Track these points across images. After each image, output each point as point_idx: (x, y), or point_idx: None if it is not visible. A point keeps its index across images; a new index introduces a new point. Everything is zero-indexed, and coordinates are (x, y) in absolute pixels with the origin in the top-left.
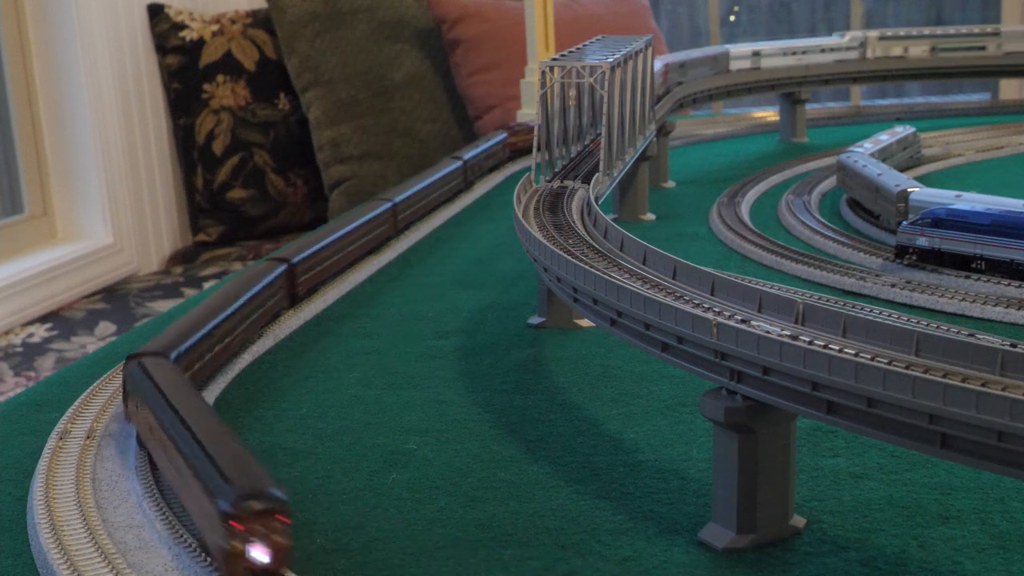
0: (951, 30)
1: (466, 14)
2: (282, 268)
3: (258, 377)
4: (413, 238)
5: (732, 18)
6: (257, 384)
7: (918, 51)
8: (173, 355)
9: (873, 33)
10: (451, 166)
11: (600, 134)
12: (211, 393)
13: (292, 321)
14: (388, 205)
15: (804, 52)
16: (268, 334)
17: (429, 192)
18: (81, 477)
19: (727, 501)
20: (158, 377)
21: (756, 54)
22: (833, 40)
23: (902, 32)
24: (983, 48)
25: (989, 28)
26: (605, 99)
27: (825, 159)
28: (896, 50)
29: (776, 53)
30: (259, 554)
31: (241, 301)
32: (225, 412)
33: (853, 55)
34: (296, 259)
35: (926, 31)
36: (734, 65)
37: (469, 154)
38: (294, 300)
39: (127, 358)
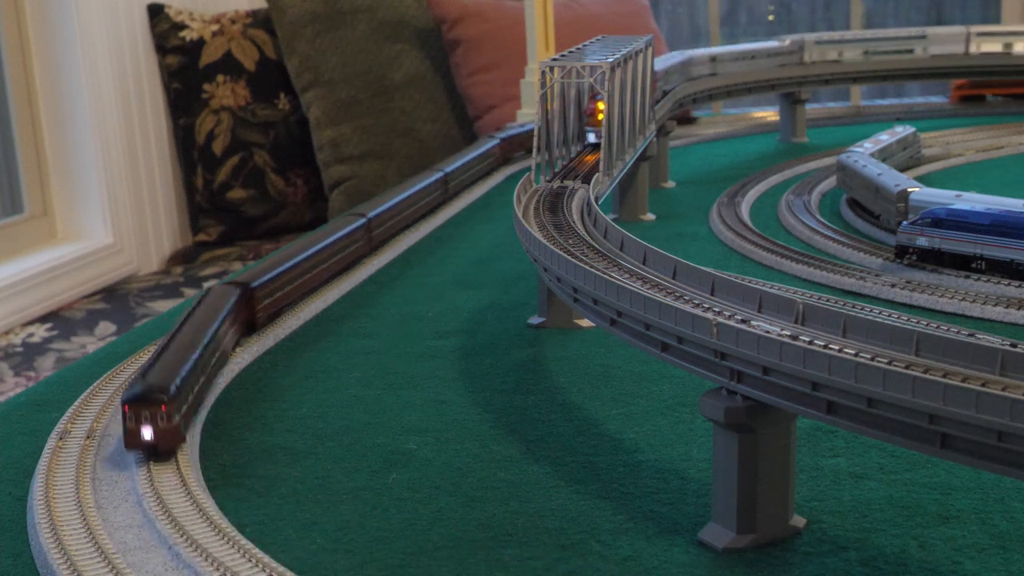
0: (881, 33)
1: (466, 14)
2: (361, 221)
3: (258, 377)
4: (413, 238)
5: (771, 17)
6: (257, 384)
7: (852, 55)
8: (255, 283)
9: (811, 37)
10: (489, 143)
11: (589, 143)
12: (212, 393)
13: (292, 321)
14: (440, 175)
15: (753, 57)
16: (268, 333)
17: (472, 165)
18: (81, 477)
19: (727, 501)
20: (206, 300)
21: (713, 59)
22: (774, 45)
23: (836, 36)
24: (911, 51)
25: (915, 31)
26: (605, 99)
27: (825, 159)
28: (832, 54)
29: (730, 58)
30: (146, 432)
31: (321, 246)
32: (226, 411)
33: (794, 59)
34: (373, 214)
35: (859, 34)
36: (695, 71)
37: (505, 134)
38: (372, 249)
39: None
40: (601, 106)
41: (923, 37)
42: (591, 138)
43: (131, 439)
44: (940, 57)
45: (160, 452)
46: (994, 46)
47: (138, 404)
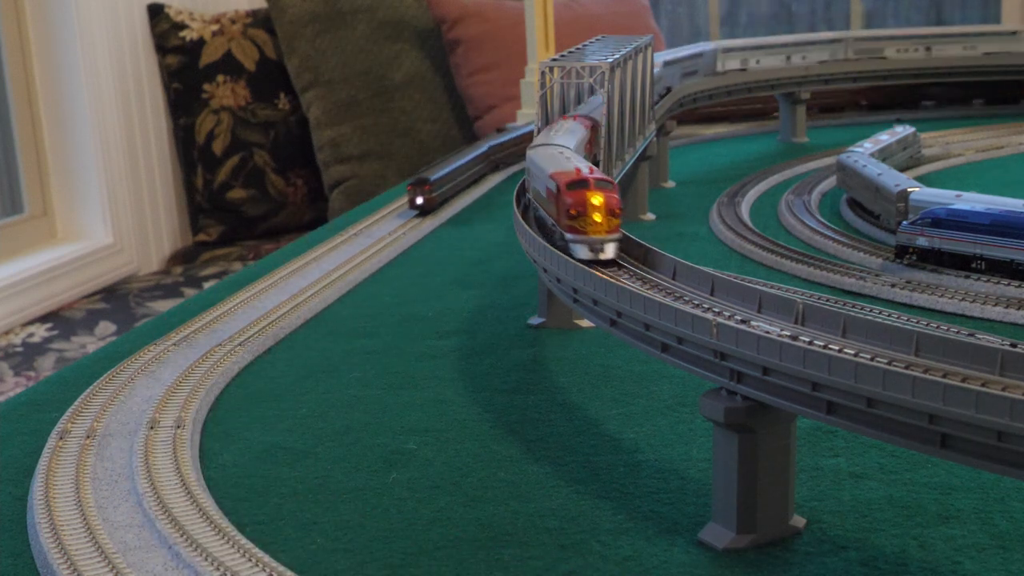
0: (674, 53)
1: (466, 14)
2: (486, 147)
3: (258, 377)
4: (412, 238)
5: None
6: (257, 384)
7: (671, 77)
8: (495, 142)
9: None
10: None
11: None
12: (212, 392)
13: (292, 320)
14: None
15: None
16: (268, 333)
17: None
18: (81, 477)
19: (727, 501)
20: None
21: None
22: None
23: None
24: (696, 72)
25: (698, 49)
26: (605, 99)
27: (825, 159)
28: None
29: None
30: (419, 200)
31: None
32: (226, 411)
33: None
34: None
35: (669, 55)
36: None
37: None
38: (494, 168)
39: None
40: (597, 200)
41: (700, 56)
42: (580, 252)
43: (411, 204)
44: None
45: (425, 212)
46: (733, 63)
47: (414, 184)
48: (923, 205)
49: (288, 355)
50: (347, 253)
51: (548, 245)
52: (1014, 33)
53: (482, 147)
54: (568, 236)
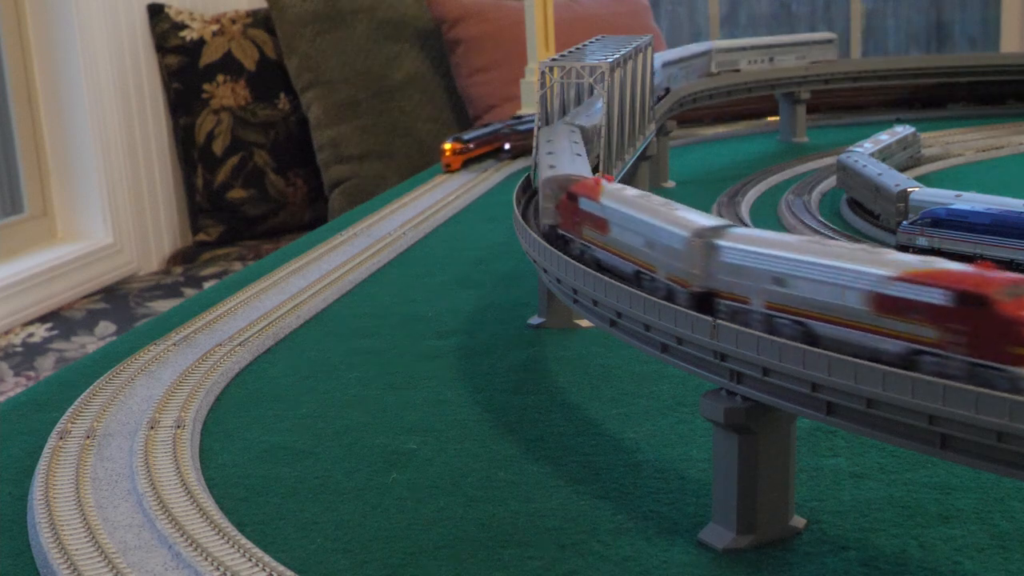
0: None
1: (466, 14)
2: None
3: (258, 377)
4: (412, 238)
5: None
6: (257, 384)
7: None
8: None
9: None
10: None
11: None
12: (212, 392)
13: (292, 320)
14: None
15: None
16: (268, 333)
17: None
18: (81, 477)
19: (727, 501)
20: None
21: None
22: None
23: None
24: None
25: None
26: (605, 99)
27: (825, 159)
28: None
29: None
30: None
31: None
32: (226, 411)
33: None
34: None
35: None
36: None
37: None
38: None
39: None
40: None
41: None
42: None
43: (501, 149)
44: None
45: (515, 156)
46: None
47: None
48: (923, 205)
49: (288, 355)
50: (347, 253)
51: (550, 246)
52: (830, 41)
53: None
54: (1019, 372)
